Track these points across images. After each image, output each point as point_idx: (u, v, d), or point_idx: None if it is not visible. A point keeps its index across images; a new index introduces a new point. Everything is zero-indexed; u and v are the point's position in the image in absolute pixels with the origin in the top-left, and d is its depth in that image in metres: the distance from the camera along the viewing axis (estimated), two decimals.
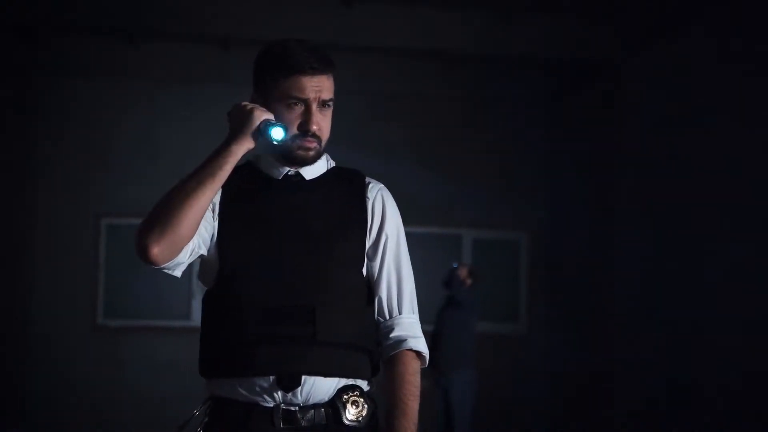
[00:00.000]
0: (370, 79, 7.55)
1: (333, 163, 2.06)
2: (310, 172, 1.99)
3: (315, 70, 1.89)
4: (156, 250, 1.79)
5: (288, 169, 1.98)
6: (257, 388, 1.85)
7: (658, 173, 6.69)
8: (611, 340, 7.25)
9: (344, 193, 1.99)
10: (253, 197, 1.96)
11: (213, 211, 1.95)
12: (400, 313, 1.96)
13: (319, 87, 1.90)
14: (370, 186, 2.01)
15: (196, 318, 7.64)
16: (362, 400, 1.88)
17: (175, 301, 7.66)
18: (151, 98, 7.71)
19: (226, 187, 1.92)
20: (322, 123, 1.92)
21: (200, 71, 7.63)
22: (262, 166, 2.01)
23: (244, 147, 1.88)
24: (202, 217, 1.84)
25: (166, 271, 1.88)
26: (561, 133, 8.12)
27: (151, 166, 7.50)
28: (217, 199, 1.94)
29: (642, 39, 6.80)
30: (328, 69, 1.91)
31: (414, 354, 1.93)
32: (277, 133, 1.88)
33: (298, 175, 1.98)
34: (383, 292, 1.96)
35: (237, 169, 1.95)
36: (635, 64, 6.98)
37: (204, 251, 1.93)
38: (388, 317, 1.96)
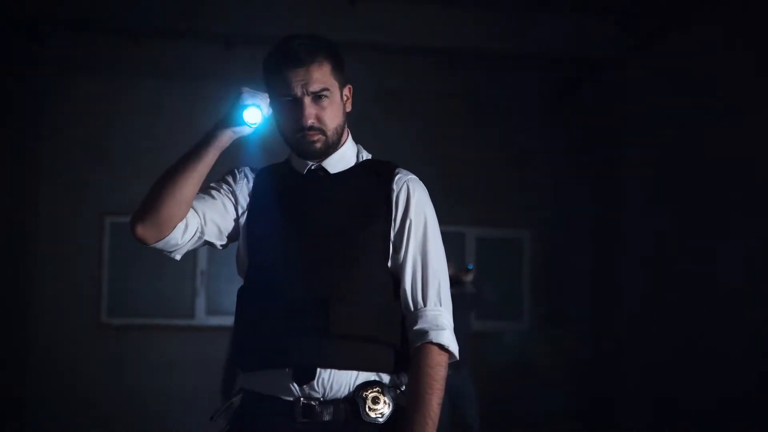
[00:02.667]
0: (373, 77, 7.54)
1: (367, 156, 2.05)
2: (335, 165, 1.98)
3: (297, 64, 1.88)
4: (140, 229, 1.87)
5: (311, 163, 1.98)
6: (276, 382, 1.86)
7: (662, 171, 6.68)
8: (615, 339, 7.24)
9: (369, 186, 1.96)
10: (279, 192, 1.97)
11: (236, 204, 1.98)
12: (424, 305, 1.92)
13: (305, 80, 1.88)
14: (398, 177, 1.98)
15: (200, 317, 7.65)
16: (383, 396, 1.86)
17: (179, 299, 7.65)
18: (154, 96, 7.70)
19: (256, 183, 1.98)
20: (321, 114, 1.91)
21: (203, 69, 7.62)
22: (293, 161, 2.02)
23: (227, 131, 1.89)
24: (187, 199, 1.87)
25: (164, 252, 1.94)
26: (565, 130, 8.11)
27: (154, 164, 7.43)
28: (245, 193, 1.98)
29: (646, 36, 6.78)
30: (313, 59, 1.89)
31: (436, 347, 1.88)
32: (251, 116, 1.86)
33: (323, 169, 1.98)
34: (407, 284, 1.93)
35: (273, 166, 2.02)
36: (639, 61, 6.97)
37: (214, 240, 1.98)
38: (412, 309, 1.92)
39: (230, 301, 7.86)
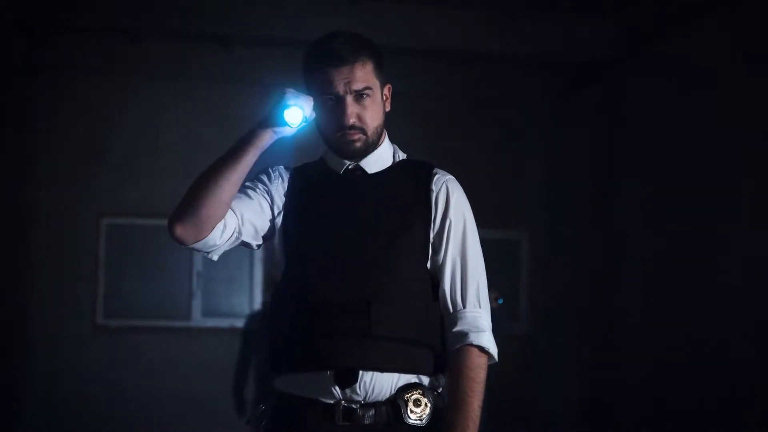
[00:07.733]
0: None
1: (403, 156, 2.04)
2: (373, 165, 1.97)
3: (341, 62, 1.87)
4: (179, 230, 1.84)
5: (348, 162, 1.96)
6: (317, 384, 1.84)
7: (662, 172, 6.67)
8: (614, 340, 7.23)
9: (408, 186, 1.95)
10: (316, 192, 1.95)
11: (272, 204, 1.95)
12: (464, 306, 1.91)
13: (348, 78, 1.87)
14: (436, 177, 1.98)
15: (197, 318, 7.62)
16: (424, 398, 1.85)
17: (176, 301, 7.62)
18: (152, 96, 7.67)
19: (292, 183, 1.96)
20: (363, 113, 1.90)
21: (202, 69, 7.60)
22: (329, 160, 2.00)
23: (268, 131, 1.86)
24: (227, 200, 1.85)
25: (203, 253, 1.92)
26: (564, 132, 8.10)
27: (152, 165, 7.47)
28: (280, 193, 1.96)
29: (647, 37, 6.77)
30: (355, 58, 1.88)
31: (476, 349, 1.87)
32: (293, 117, 1.83)
33: (360, 168, 1.96)
34: (447, 285, 1.91)
35: (307, 165, 2.00)
36: (639, 63, 6.96)
37: (251, 240, 1.95)
38: (451, 311, 1.91)
39: (227, 303, 7.85)
